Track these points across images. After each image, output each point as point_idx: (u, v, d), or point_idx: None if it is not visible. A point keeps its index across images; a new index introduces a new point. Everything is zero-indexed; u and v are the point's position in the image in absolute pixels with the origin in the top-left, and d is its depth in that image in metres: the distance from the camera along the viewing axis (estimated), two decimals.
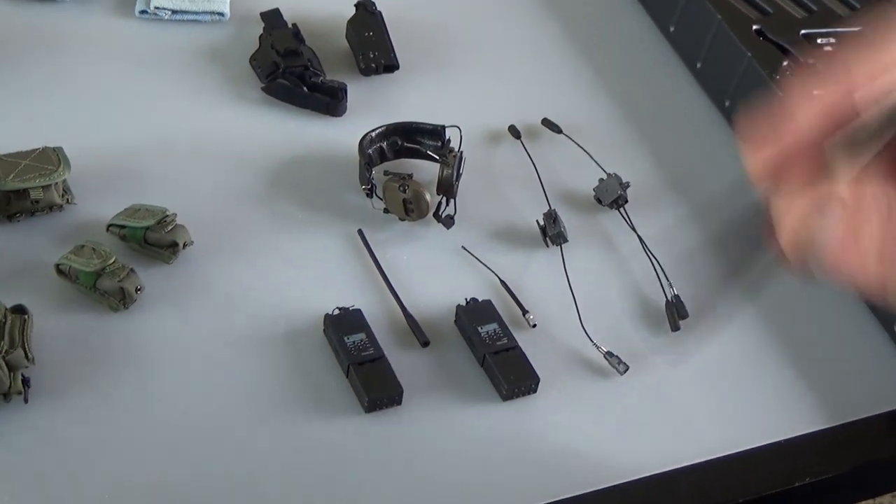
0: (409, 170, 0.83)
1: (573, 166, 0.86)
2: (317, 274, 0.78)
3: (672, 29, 0.98)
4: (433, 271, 0.79)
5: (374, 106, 0.89)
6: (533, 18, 0.99)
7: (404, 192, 0.80)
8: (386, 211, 0.80)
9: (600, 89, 0.94)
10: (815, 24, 0.94)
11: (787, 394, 0.75)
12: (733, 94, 0.92)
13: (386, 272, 0.78)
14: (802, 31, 0.93)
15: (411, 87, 0.91)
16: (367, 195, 0.81)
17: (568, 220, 0.81)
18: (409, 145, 0.84)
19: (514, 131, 0.88)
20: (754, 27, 0.93)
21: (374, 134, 0.83)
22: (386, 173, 0.81)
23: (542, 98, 0.92)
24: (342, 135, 0.85)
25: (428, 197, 0.80)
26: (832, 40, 0.93)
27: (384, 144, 0.84)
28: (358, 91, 0.89)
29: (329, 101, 0.87)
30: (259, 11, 0.93)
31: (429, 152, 0.83)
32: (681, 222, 0.84)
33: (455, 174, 0.81)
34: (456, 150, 0.83)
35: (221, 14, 0.93)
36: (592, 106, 0.92)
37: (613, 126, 0.91)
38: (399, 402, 0.71)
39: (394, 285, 0.77)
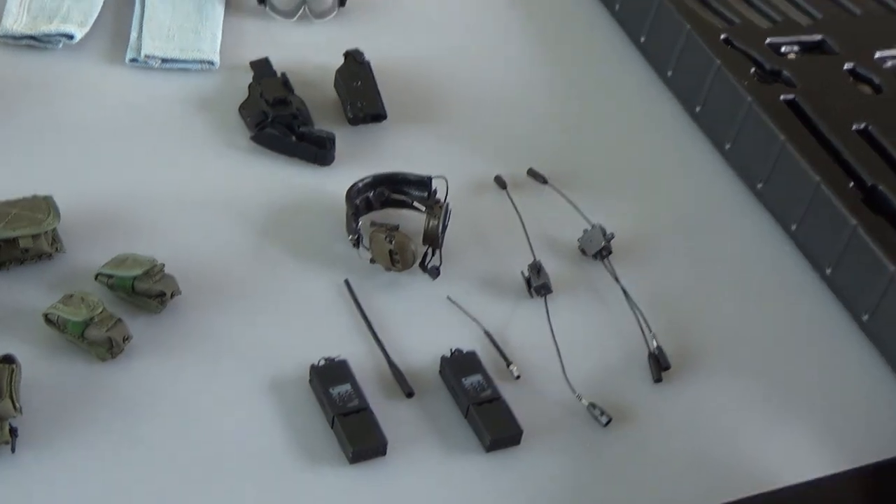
0: (395, 220, 0.84)
1: (558, 217, 0.87)
2: (304, 324, 0.79)
3: (643, 39, 1.02)
4: (419, 321, 0.80)
5: (362, 155, 0.90)
6: (520, 67, 1.00)
7: (390, 242, 0.80)
8: (372, 261, 0.81)
9: (587, 136, 0.95)
10: (780, 34, 0.98)
11: (773, 443, 0.76)
12: (704, 100, 0.95)
13: (372, 322, 0.79)
14: (768, 40, 0.96)
15: (399, 137, 0.92)
16: (354, 245, 0.82)
17: (552, 271, 0.82)
18: (395, 196, 0.85)
19: (500, 181, 0.89)
20: (722, 36, 0.95)
21: (361, 184, 0.84)
22: (372, 224, 0.82)
23: (529, 147, 0.93)
24: (330, 184, 0.86)
25: (414, 247, 0.81)
26: (796, 48, 0.97)
27: (371, 195, 0.85)
28: (346, 140, 0.90)
29: (317, 150, 0.88)
30: (248, 60, 0.95)
31: (415, 203, 0.84)
32: (665, 273, 0.85)
33: (441, 225, 0.82)
34: (442, 200, 0.84)
35: (211, 63, 0.94)
36: (579, 154, 0.93)
37: (600, 174, 0.92)
38: (383, 453, 0.71)
39: (379, 335, 0.78)
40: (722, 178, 0.92)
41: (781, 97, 0.90)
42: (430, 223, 0.82)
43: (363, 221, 0.83)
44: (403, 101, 0.94)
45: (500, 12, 1.05)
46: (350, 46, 0.96)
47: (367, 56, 0.95)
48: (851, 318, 0.83)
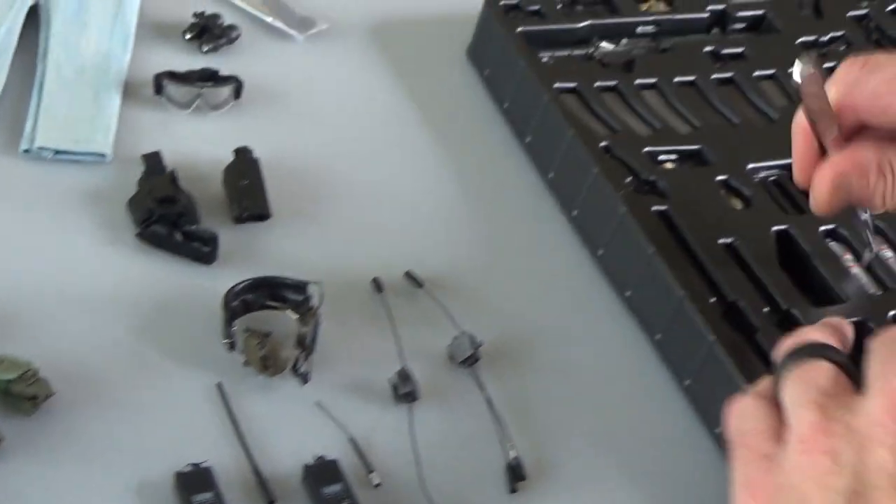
0: (270, 323, 0.87)
1: (430, 322, 0.90)
2: (175, 426, 0.81)
3: (528, 139, 1.04)
4: (288, 427, 0.82)
5: (244, 255, 0.92)
6: (409, 164, 1.03)
7: (262, 348, 0.83)
8: (246, 364, 0.84)
9: (467, 238, 0.98)
10: (659, 143, 1.01)
11: None
12: (581, 205, 0.98)
13: (242, 427, 0.81)
14: (646, 149, 0.99)
15: (282, 236, 0.94)
16: (229, 349, 0.85)
17: (421, 377, 0.85)
18: (270, 301, 0.88)
19: (377, 284, 0.92)
20: (603, 143, 0.98)
21: (238, 287, 0.87)
22: (246, 329, 0.85)
23: (411, 248, 0.96)
24: (212, 283, 0.89)
25: (286, 353, 0.84)
26: (673, 157, 1.00)
27: (248, 298, 0.87)
28: (230, 239, 0.92)
29: (201, 249, 0.91)
30: (142, 152, 0.97)
31: (288, 310, 0.87)
32: (531, 381, 0.88)
33: (313, 330, 0.85)
34: (316, 306, 0.86)
35: (102, 155, 0.96)
36: (458, 256, 0.96)
37: (476, 277, 0.95)
38: None
39: (248, 440, 0.80)
40: (594, 284, 0.95)
41: (654, 208, 0.94)
42: (302, 329, 0.85)
43: (239, 325, 0.86)
44: (291, 198, 0.97)
45: (394, 107, 1.07)
46: (245, 139, 0.99)
47: (260, 150, 0.98)
48: (707, 431, 0.86)
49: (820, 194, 0.68)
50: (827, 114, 0.69)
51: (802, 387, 0.55)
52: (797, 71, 0.71)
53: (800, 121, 0.69)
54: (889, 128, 0.66)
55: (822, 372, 0.56)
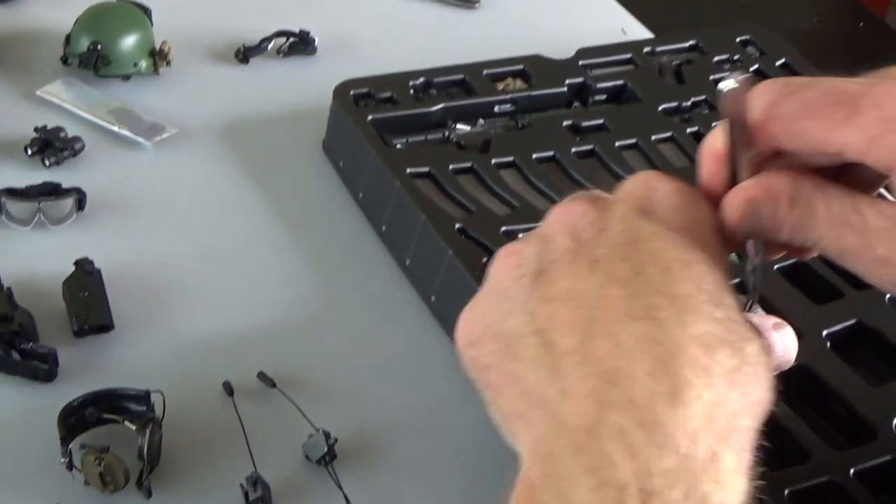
0: (112, 438, 0.82)
1: (284, 422, 0.86)
2: None
3: (384, 228, 1.02)
4: None
5: (87, 369, 0.88)
6: (260, 262, 1.00)
7: (100, 465, 0.79)
8: (86, 483, 0.79)
9: (323, 332, 0.95)
10: (516, 221, 0.98)
11: None
12: (439, 290, 0.94)
13: None
14: (503, 229, 0.96)
15: (127, 347, 0.90)
16: (67, 468, 0.80)
17: (275, 480, 0.81)
18: (109, 415, 0.84)
19: (227, 388, 0.88)
20: (457, 225, 0.96)
21: (75, 403, 0.83)
22: (82, 446, 0.81)
23: (262, 348, 0.92)
24: (52, 401, 0.84)
25: (125, 468, 0.80)
26: None
27: (86, 413, 0.83)
28: (72, 354, 0.88)
29: (39, 366, 0.87)
30: None
31: (127, 421, 0.83)
32: (390, 476, 0.84)
33: (158, 441, 0.81)
34: (158, 415, 0.82)
35: None
36: (313, 353, 0.93)
37: (333, 373, 0.91)
38: None
39: None
40: (454, 370, 0.91)
41: None
42: (142, 440, 0.81)
43: (77, 442, 0.82)
44: (138, 306, 0.93)
45: (248, 206, 1.04)
46: (90, 250, 0.95)
47: (106, 260, 0.94)
48: None
49: (729, 220, 0.65)
50: (744, 135, 0.66)
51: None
52: (724, 85, 0.68)
53: (710, 145, 0.67)
54: (804, 154, 0.63)
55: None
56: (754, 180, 0.66)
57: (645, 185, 0.61)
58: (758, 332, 0.59)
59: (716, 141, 0.67)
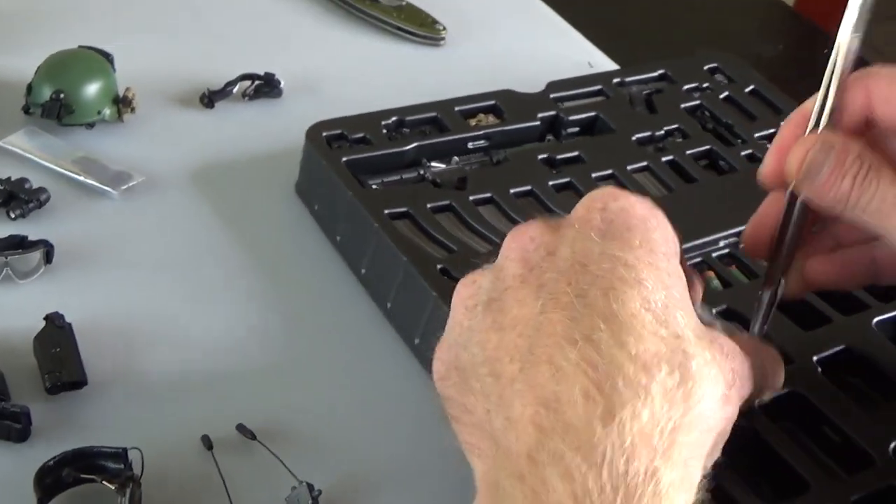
0: (90, 497, 0.79)
1: (266, 475, 0.83)
2: None
3: (363, 271, 1.00)
4: None
5: (61, 427, 0.85)
6: (236, 312, 0.97)
7: None
8: None
9: (303, 381, 0.92)
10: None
11: None
12: (423, 333, 0.92)
13: None
14: (485, 266, 0.94)
15: (100, 403, 0.87)
16: None
17: None
18: (86, 474, 0.81)
19: (206, 441, 0.85)
20: (439, 266, 0.93)
21: (50, 463, 0.80)
22: None
23: (241, 400, 0.89)
24: (26, 462, 0.81)
25: None
26: None
27: (62, 473, 0.80)
28: (44, 412, 0.85)
29: (12, 426, 0.84)
30: None
31: (105, 481, 0.80)
32: None
33: (137, 501, 0.78)
34: (136, 472, 0.80)
35: None
36: (294, 403, 0.90)
37: (314, 423, 0.88)
38: None
39: None
40: (440, 417, 0.89)
41: None
42: (122, 501, 0.78)
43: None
44: (111, 360, 0.90)
45: (221, 252, 1.02)
46: (59, 304, 0.93)
47: (76, 314, 0.92)
48: None
49: (792, 159, 0.65)
50: (843, 91, 0.65)
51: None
52: (844, 31, 0.67)
53: (805, 107, 0.67)
54: (891, 125, 0.65)
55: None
56: (837, 133, 0.66)
57: (597, 204, 0.61)
58: (736, 350, 0.59)
59: (808, 106, 0.68)
